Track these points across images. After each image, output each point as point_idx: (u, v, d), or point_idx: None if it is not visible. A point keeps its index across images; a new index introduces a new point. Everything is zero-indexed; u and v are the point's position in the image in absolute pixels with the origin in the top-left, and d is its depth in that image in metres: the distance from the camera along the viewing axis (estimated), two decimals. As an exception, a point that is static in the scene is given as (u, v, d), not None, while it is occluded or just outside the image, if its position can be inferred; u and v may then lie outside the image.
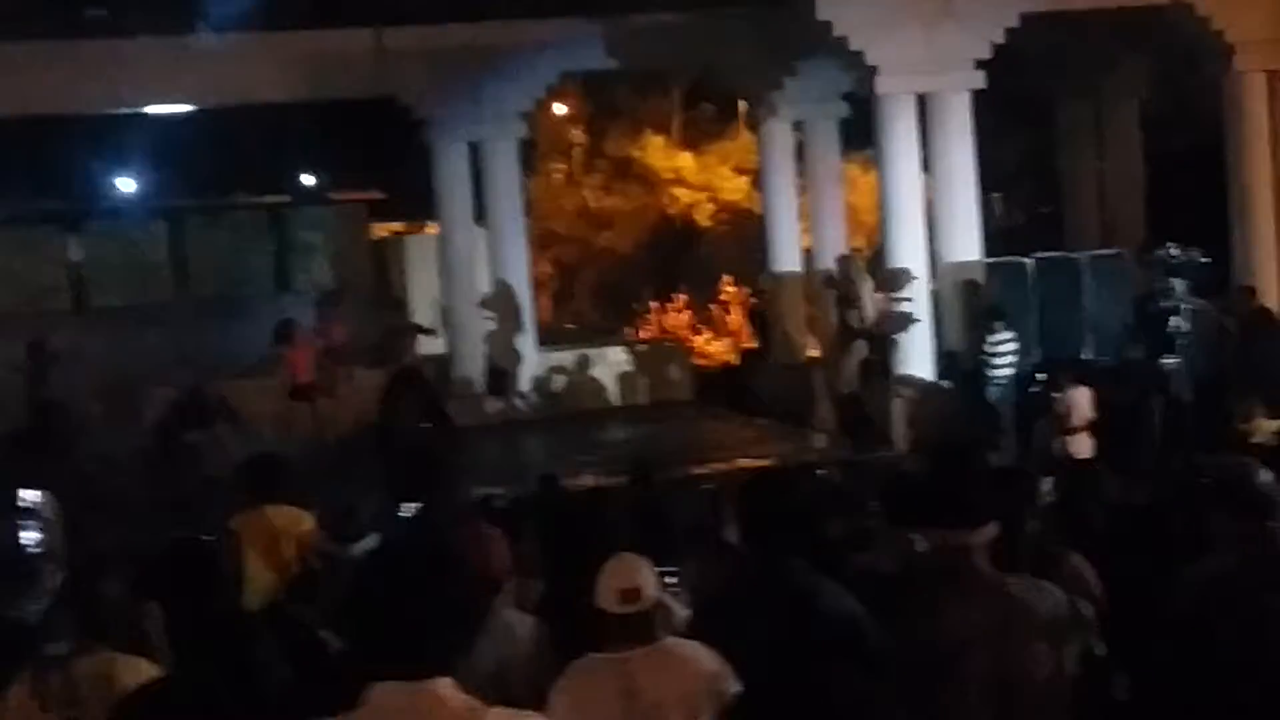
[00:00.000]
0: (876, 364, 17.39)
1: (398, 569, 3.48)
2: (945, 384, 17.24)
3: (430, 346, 20.37)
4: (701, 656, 4.54)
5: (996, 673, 4.39)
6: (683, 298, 28.45)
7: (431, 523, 7.99)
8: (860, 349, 17.67)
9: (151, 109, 21.32)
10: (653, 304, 28.61)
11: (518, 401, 21.20)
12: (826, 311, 20.53)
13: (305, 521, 8.68)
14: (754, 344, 25.75)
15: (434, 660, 3.40)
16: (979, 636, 4.39)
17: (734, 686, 4.41)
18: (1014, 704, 4.39)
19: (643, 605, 4.53)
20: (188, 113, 21.77)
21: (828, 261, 21.64)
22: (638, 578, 4.57)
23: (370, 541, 9.87)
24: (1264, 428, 13.70)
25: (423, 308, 20.45)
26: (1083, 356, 16.39)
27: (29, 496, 10.84)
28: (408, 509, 10.78)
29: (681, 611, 5.83)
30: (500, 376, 21.34)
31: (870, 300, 17.66)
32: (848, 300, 17.67)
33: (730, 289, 28.37)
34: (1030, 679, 4.42)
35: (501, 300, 21.19)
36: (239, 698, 4.67)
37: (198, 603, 5.31)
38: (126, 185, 23.65)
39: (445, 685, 3.40)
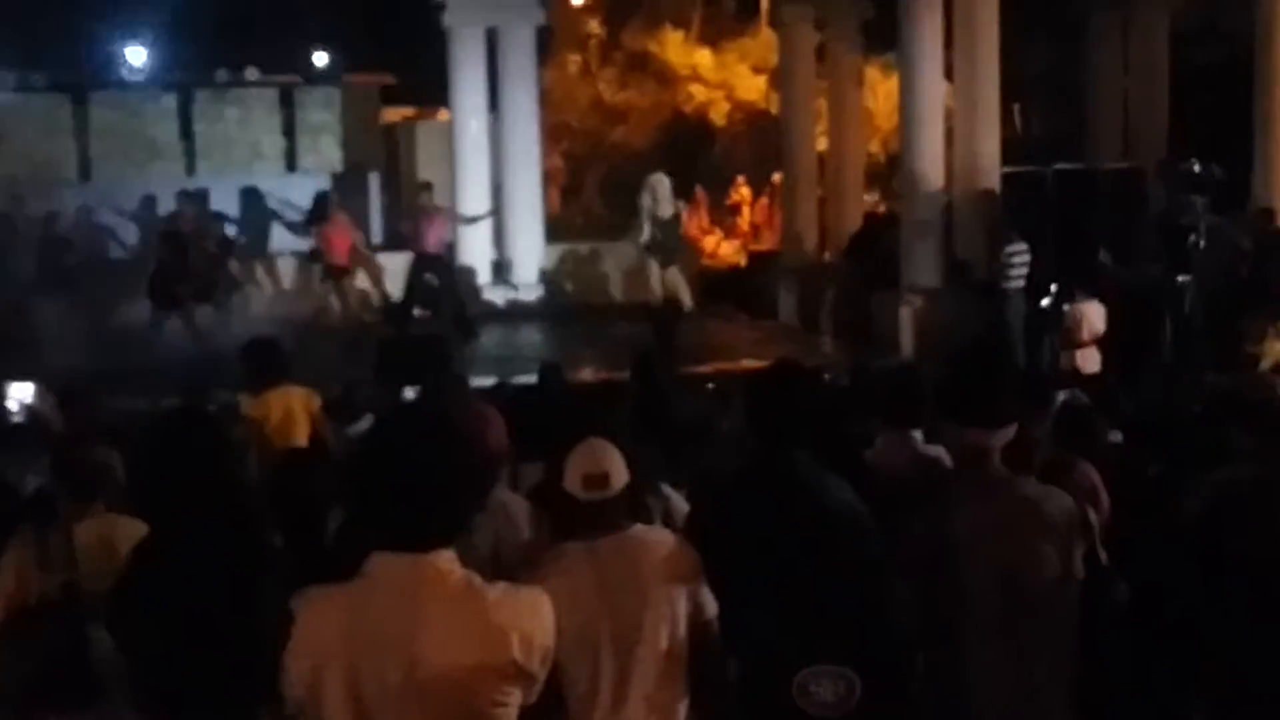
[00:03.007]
0: None
1: (402, 440, 3.43)
2: (955, 293, 17.13)
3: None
4: (670, 544, 4.49)
5: (1002, 570, 4.38)
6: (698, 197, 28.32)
7: (433, 401, 7.96)
8: (678, 269, 18.02)
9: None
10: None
11: (521, 293, 21.13)
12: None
13: (316, 399, 8.78)
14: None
15: (435, 533, 3.36)
16: (987, 533, 4.38)
17: (703, 576, 4.41)
18: (1019, 602, 4.39)
19: (609, 492, 4.42)
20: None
21: (844, 164, 21.54)
22: (605, 463, 4.44)
23: (366, 423, 9.87)
24: (1274, 350, 13.64)
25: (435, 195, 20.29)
26: (1098, 271, 16.24)
27: (17, 389, 10.90)
28: (408, 392, 10.81)
29: (682, 505, 5.79)
30: (505, 268, 21.27)
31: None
32: (678, 219, 17.89)
33: (744, 190, 28.19)
34: (1036, 579, 4.40)
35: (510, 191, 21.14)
36: (231, 566, 4.65)
37: (197, 473, 5.25)
38: (137, 57, 23.37)
39: (446, 558, 3.37)
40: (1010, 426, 4.51)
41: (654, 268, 18.08)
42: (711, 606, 4.42)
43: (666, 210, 18.12)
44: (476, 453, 3.56)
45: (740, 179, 28.30)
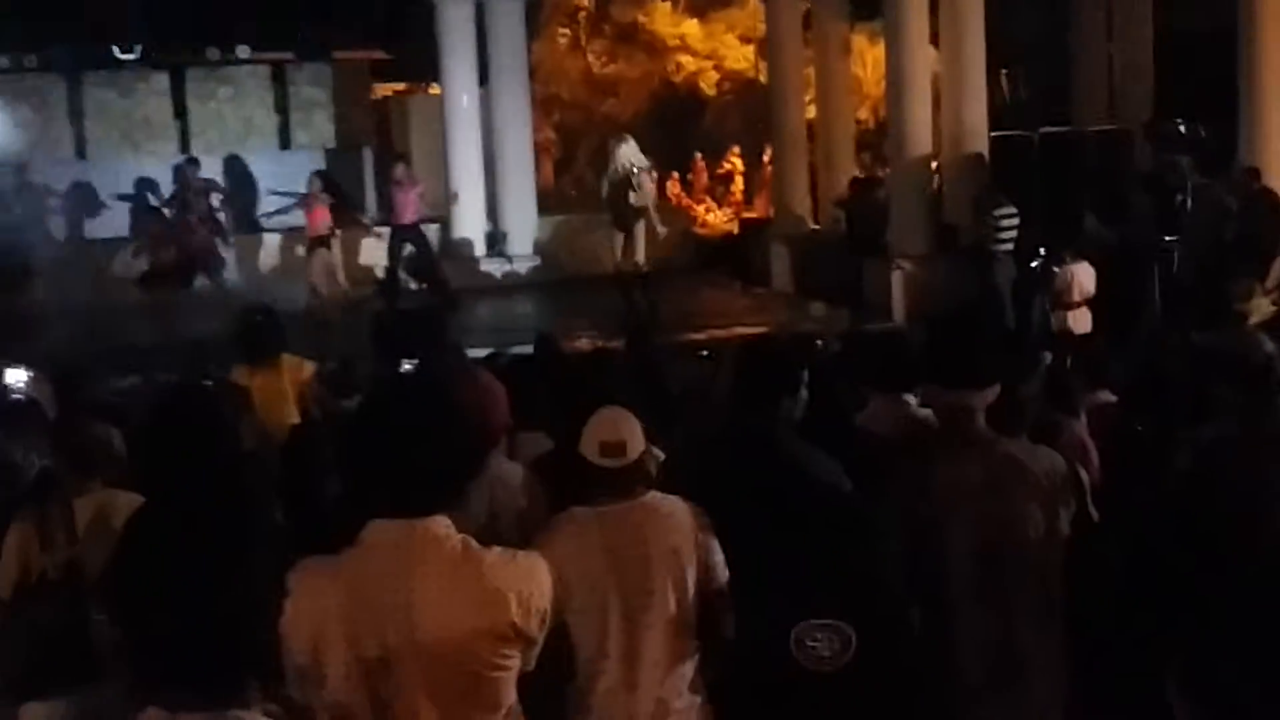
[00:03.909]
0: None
1: (395, 408, 3.48)
2: (944, 258, 17.18)
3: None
4: (683, 511, 4.52)
5: (988, 529, 4.41)
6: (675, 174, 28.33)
7: (430, 373, 8.00)
8: (643, 231, 17.66)
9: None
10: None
11: (516, 265, 21.16)
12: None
13: (307, 368, 8.80)
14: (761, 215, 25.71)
15: (430, 499, 3.41)
16: (972, 493, 4.42)
17: (715, 541, 4.46)
18: (1004, 561, 4.42)
19: (625, 460, 4.46)
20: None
21: (833, 132, 21.54)
22: (622, 431, 4.48)
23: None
24: (1262, 308, 13.72)
25: (425, 168, 20.33)
26: (1085, 233, 16.28)
27: (12, 375, 10.95)
28: (405, 365, 10.85)
29: (658, 454, 5.83)
30: (499, 239, 21.32)
31: (649, 180, 17.77)
32: (628, 181, 17.59)
33: (735, 159, 28.22)
34: (1021, 537, 4.44)
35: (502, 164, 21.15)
36: (226, 539, 4.70)
37: (195, 448, 5.31)
38: (129, 36, 23.36)
39: (442, 523, 3.41)
40: (993, 387, 4.54)
41: (614, 234, 17.90)
42: (723, 573, 4.46)
43: (615, 174, 17.86)
44: (470, 419, 3.60)
45: (735, 148, 28.31)
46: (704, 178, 28.51)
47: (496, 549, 3.50)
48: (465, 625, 3.36)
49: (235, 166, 21.75)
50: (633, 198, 17.55)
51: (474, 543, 3.45)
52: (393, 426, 3.41)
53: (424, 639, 3.33)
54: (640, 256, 17.60)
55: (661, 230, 17.50)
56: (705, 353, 13.54)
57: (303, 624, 3.35)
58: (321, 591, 3.37)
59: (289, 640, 3.36)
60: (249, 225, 20.93)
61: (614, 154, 17.72)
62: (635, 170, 17.53)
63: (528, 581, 3.45)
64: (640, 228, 17.67)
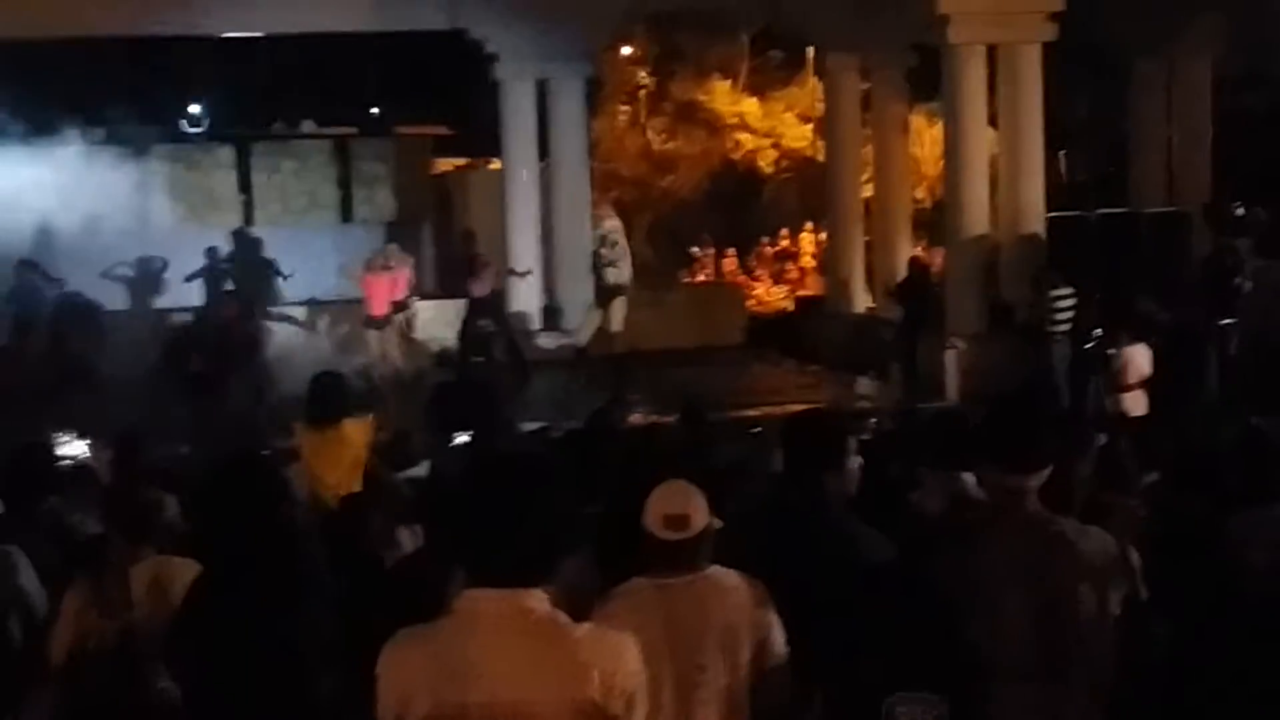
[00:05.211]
0: None
1: (510, 484, 3.49)
2: (999, 337, 17.18)
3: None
4: (743, 587, 4.52)
5: (1037, 609, 4.39)
6: (732, 250, 28.58)
7: (487, 446, 8.06)
8: (620, 305, 17.75)
9: (223, 35, 21.41)
10: (708, 251, 28.77)
11: (572, 339, 21.24)
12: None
13: (369, 430, 8.92)
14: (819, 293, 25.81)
15: (530, 572, 3.42)
16: (1022, 572, 4.41)
17: (775, 618, 4.47)
18: (1054, 641, 4.40)
19: (689, 533, 4.45)
20: (258, 40, 21.88)
21: (890, 211, 21.59)
22: (687, 505, 4.47)
23: (421, 469, 9.96)
24: (1321, 393, 13.59)
25: (484, 243, 20.50)
26: (1141, 315, 16.25)
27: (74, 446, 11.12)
28: (459, 438, 10.90)
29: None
30: (556, 314, 21.41)
31: (628, 260, 17.93)
32: (607, 260, 17.78)
33: (805, 235, 28.40)
34: (1072, 618, 4.43)
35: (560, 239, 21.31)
36: (284, 604, 4.77)
37: (254, 516, 5.38)
38: (196, 110, 23.82)
39: (536, 596, 3.42)
40: (1046, 468, 4.55)
41: (592, 310, 18.27)
42: (780, 649, 4.47)
43: (599, 252, 18.21)
44: (571, 496, 3.62)
45: (807, 225, 28.50)
46: (761, 255, 28.65)
47: (587, 625, 3.51)
48: (545, 697, 3.35)
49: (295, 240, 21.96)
50: (610, 274, 17.80)
51: (563, 616, 3.45)
52: (501, 502, 3.43)
53: (504, 709, 3.34)
54: (618, 329, 17.93)
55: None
56: (757, 429, 13.54)
57: (393, 689, 3.41)
58: (411, 658, 3.42)
59: (380, 704, 3.44)
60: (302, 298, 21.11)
61: (603, 231, 18.04)
62: (615, 248, 17.80)
63: (613, 659, 3.43)
64: (617, 304, 17.92)
